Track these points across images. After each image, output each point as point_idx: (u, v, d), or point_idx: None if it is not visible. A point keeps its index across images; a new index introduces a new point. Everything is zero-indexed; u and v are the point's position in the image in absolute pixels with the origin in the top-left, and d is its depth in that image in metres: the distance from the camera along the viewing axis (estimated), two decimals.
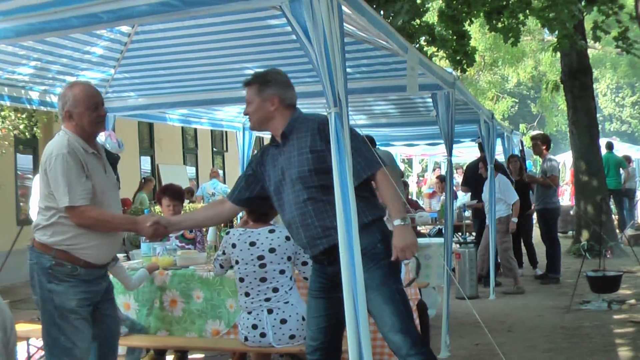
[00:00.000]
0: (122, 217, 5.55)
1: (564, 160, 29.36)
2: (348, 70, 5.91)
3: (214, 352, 8.27)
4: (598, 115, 19.24)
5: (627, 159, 23.87)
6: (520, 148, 18.38)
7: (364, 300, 4.37)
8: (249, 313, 6.25)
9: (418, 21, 15.65)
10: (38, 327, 8.03)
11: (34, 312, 9.81)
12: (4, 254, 11.03)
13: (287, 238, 6.26)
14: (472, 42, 17.84)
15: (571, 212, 20.18)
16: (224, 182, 25.48)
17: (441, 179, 14.74)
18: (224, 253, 6.43)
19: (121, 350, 6.39)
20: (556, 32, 14.93)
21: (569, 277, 13.41)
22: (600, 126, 22.27)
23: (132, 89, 9.09)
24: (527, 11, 14.92)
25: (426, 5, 16.86)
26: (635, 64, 42.44)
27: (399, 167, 13.71)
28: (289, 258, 6.29)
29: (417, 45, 15.82)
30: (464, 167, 19.23)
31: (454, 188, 14.73)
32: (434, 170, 27.81)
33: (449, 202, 8.65)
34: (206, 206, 5.98)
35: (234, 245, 6.31)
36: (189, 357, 8.22)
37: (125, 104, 9.38)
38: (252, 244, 6.25)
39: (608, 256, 15.46)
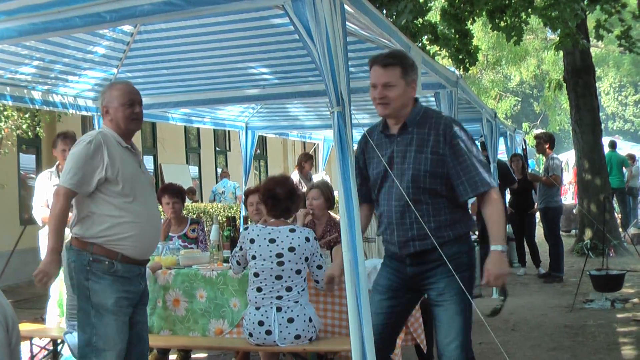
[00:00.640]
0: (60, 234, 5.14)
1: (567, 159, 29.35)
2: (351, 69, 5.93)
3: (218, 351, 8.27)
4: (601, 113, 19.25)
5: (631, 158, 23.85)
6: (523, 147, 18.39)
7: (367, 302, 4.37)
8: (257, 309, 6.23)
9: (421, 20, 15.63)
10: (42, 326, 8.10)
11: (38, 312, 9.86)
12: (7, 253, 11.01)
13: (307, 239, 6.28)
14: (475, 41, 17.83)
15: (574, 211, 20.17)
16: None
17: None
18: (241, 249, 6.41)
19: None
20: (559, 31, 14.94)
21: (572, 276, 13.40)
22: (603, 125, 22.23)
23: None
24: (530, 10, 14.89)
25: (429, 4, 16.86)
26: (638, 63, 42.42)
27: None
28: (307, 259, 6.28)
29: (420, 44, 15.81)
30: None
31: None
32: None
33: None
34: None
35: (252, 241, 6.30)
36: (192, 356, 8.22)
37: None
38: (272, 240, 6.25)
39: (611, 255, 15.45)
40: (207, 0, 4.37)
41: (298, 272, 6.22)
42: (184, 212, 9.39)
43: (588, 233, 17.11)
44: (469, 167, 4.81)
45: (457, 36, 15.90)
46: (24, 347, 7.54)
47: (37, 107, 9.34)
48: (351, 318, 4.34)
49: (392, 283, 5.15)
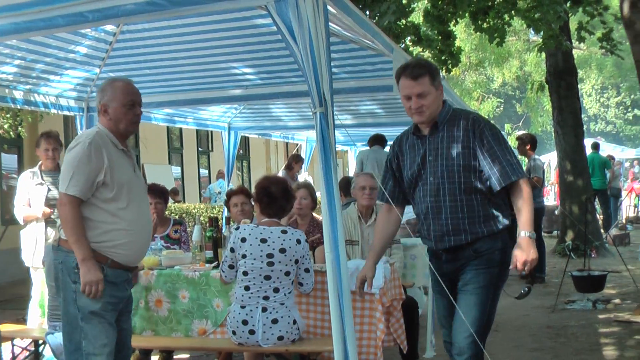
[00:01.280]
0: (83, 242, 5.01)
1: (549, 160, 29.48)
2: (334, 70, 5.91)
3: (200, 352, 8.25)
4: (583, 115, 19.33)
5: (611, 159, 23.97)
6: None
7: (349, 303, 4.37)
8: (243, 307, 6.20)
9: (404, 21, 15.65)
10: (23, 327, 8.07)
11: (20, 313, 9.82)
12: None
13: (298, 241, 6.26)
14: (458, 43, 17.86)
15: (556, 212, 20.22)
16: (209, 182, 25.48)
17: None
18: (232, 250, 6.34)
19: None
20: (541, 33, 14.98)
21: (554, 277, 13.45)
22: (585, 126, 22.36)
23: None
24: (513, 12, 14.93)
25: (412, 6, 16.87)
26: (621, 65, 42.64)
27: None
28: (297, 261, 6.26)
29: (403, 45, 15.83)
30: None
31: None
32: None
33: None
34: (383, 223, 5.59)
35: (243, 240, 6.26)
36: (175, 357, 8.20)
37: None
38: (264, 240, 6.21)
39: (593, 256, 15.51)
40: (190, 0, 4.36)
41: (287, 273, 6.20)
42: (167, 212, 9.37)
43: (570, 234, 17.17)
44: (499, 158, 4.97)
45: (440, 37, 15.92)
46: (6, 347, 7.52)
47: (19, 107, 9.30)
48: (333, 319, 4.34)
49: (440, 284, 5.23)
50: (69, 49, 7.74)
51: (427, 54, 17.22)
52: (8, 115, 15.22)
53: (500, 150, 4.99)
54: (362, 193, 8.04)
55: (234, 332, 6.26)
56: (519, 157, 21.37)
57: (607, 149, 28.66)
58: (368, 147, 13.63)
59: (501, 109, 54.10)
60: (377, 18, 14.08)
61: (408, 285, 8.45)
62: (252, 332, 6.15)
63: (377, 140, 13.23)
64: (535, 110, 40.91)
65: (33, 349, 7.71)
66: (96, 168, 4.99)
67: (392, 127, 13.06)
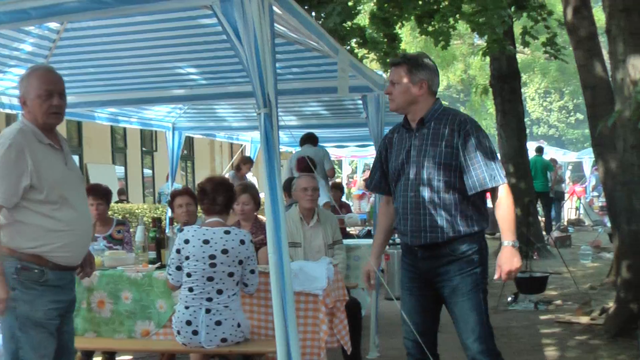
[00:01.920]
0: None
1: None
2: (279, 71, 5.91)
3: (143, 353, 8.20)
4: (526, 119, 19.51)
5: (553, 162, 24.23)
6: None
7: (292, 304, 4.38)
8: (187, 308, 6.17)
9: (350, 23, 15.68)
10: None
11: None
12: None
13: (242, 242, 6.21)
14: (403, 45, 17.99)
15: None
16: (153, 182, 25.33)
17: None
18: (178, 252, 6.27)
19: None
20: (486, 37, 15.08)
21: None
22: (528, 130, 22.55)
23: None
24: (458, 15, 15.01)
25: (358, 8, 16.90)
26: (564, 70, 43.18)
27: (332, 163, 13.70)
28: (240, 262, 6.20)
29: (348, 47, 15.86)
30: None
31: None
32: (363, 171, 27.92)
33: (378, 203, 8.70)
34: (382, 215, 5.66)
35: (187, 241, 6.21)
36: (117, 358, 8.14)
37: None
38: (206, 241, 6.16)
39: (535, 258, 15.65)
40: None
41: (230, 274, 6.16)
42: (110, 213, 9.29)
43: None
44: (479, 163, 5.01)
45: (386, 40, 15.98)
46: None
47: None
48: (276, 320, 4.34)
49: (413, 281, 5.33)
50: (12, 47, 7.63)
51: (372, 56, 17.27)
52: None
53: (482, 154, 5.03)
54: (304, 194, 8.04)
55: (178, 332, 6.23)
56: None
57: (549, 152, 28.94)
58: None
59: None
60: (322, 20, 14.10)
61: (352, 286, 8.47)
62: (195, 333, 6.11)
63: (308, 139, 13.04)
64: (479, 113, 41.25)
65: None
66: (19, 173, 4.66)
67: (337, 129, 13.10)
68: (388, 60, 15.95)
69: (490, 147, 5.11)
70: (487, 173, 5.00)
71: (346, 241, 8.72)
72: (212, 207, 6.40)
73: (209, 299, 6.13)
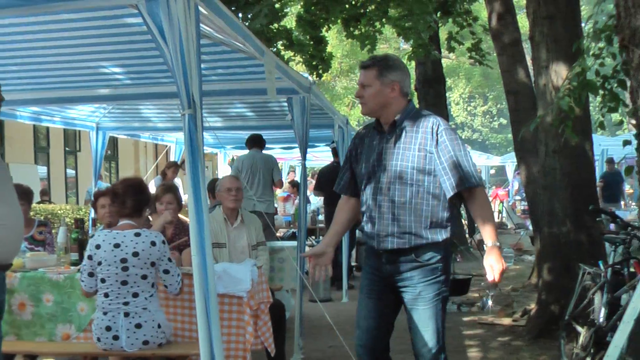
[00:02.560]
0: None
1: None
2: (204, 72, 5.88)
3: (64, 356, 8.10)
4: (450, 123, 19.65)
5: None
6: None
7: (215, 306, 4.36)
8: (105, 314, 6.09)
9: (276, 25, 15.69)
10: None
11: None
12: None
13: (153, 243, 6.12)
14: (329, 48, 18.02)
15: None
16: (76, 183, 25.03)
17: (293, 184, 14.80)
18: (90, 258, 6.18)
19: None
20: (412, 41, 15.21)
21: None
22: None
23: None
24: (384, 20, 15.12)
25: (285, 10, 16.92)
26: (488, 75, 43.75)
27: (280, 174, 13.67)
28: (153, 264, 6.13)
29: (275, 49, 15.86)
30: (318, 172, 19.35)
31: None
32: (288, 173, 27.94)
33: (303, 205, 8.72)
34: (340, 211, 5.60)
35: (98, 247, 6.13)
36: None
37: None
38: (117, 245, 6.08)
39: (458, 260, 15.81)
40: None
41: (144, 277, 6.09)
42: (31, 213, 9.17)
43: (449, 243, 17.42)
44: (455, 164, 5.00)
45: (312, 42, 16.01)
46: None
47: None
48: (200, 322, 4.32)
49: (374, 284, 5.31)
50: None
51: (298, 59, 17.30)
52: None
53: (458, 156, 5.03)
54: (227, 195, 8.02)
55: (98, 339, 6.14)
56: None
57: (473, 157, 29.29)
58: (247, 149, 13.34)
59: None
60: (249, 21, 14.08)
61: (276, 288, 8.48)
62: (116, 337, 6.04)
63: (255, 143, 12.97)
64: None
65: None
66: None
67: (262, 131, 13.05)
68: (314, 62, 16.01)
69: (464, 149, 5.12)
70: (465, 174, 5.02)
71: (271, 243, 8.71)
72: (122, 210, 6.33)
73: (126, 303, 6.06)
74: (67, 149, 26.02)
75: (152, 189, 13.35)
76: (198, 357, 4.51)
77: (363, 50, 15.75)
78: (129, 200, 6.30)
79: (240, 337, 6.53)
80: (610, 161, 19.91)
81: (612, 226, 8.37)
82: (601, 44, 7.35)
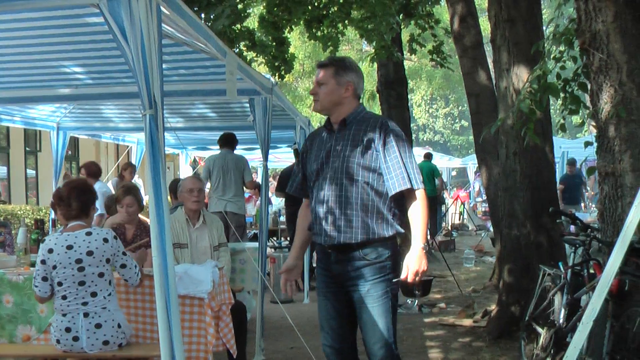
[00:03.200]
0: None
1: None
2: (166, 72, 5.86)
3: (25, 358, 8.04)
4: (412, 125, 19.77)
5: None
6: None
7: (176, 307, 4.35)
8: (64, 315, 6.05)
9: (239, 26, 15.66)
10: None
11: None
12: None
13: (105, 240, 6.09)
14: (292, 49, 18.00)
15: None
16: (37, 183, 24.85)
17: (255, 185, 14.76)
18: (43, 262, 6.12)
19: None
20: (374, 43, 15.24)
21: None
22: (414, 136, 22.88)
23: None
24: (347, 21, 15.16)
25: (247, 11, 16.90)
26: (450, 77, 43.91)
27: (251, 174, 13.56)
28: (108, 260, 6.11)
29: (237, 49, 15.84)
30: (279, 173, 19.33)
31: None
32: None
33: (264, 206, 8.71)
34: (302, 217, 5.68)
35: (50, 250, 6.06)
36: None
37: None
38: (70, 247, 6.03)
39: None
40: None
41: (101, 275, 6.07)
42: None
43: (397, 240, 17.48)
44: (399, 164, 5.11)
45: (274, 43, 16.02)
46: None
47: None
48: (160, 323, 4.30)
49: (328, 285, 5.39)
50: None
51: (260, 60, 17.28)
52: None
53: (403, 157, 5.14)
54: (189, 196, 8.01)
55: (57, 341, 6.10)
56: None
57: (435, 158, 29.44)
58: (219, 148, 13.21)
59: None
60: (211, 21, 14.04)
61: (237, 289, 8.47)
62: (75, 338, 6.00)
63: (227, 142, 12.87)
64: None
65: None
66: None
67: (223, 131, 13.01)
68: (277, 63, 16.01)
69: (409, 151, 5.22)
70: (407, 175, 5.12)
71: (232, 245, 8.70)
72: (68, 213, 6.27)
73: (85, 303, 6.03)
74: (27, 149, 25.79)
75: (112, 190, 13.32)
76: (159, 359, 4.50)
77: (325, 52, 15.76)
78: (74, 202, 6.24)
79: (201, 339, 6.51)
80: (571, 163, 20.04)
81: (572, 228, 8.42)
82: (562, 47, 7.42)
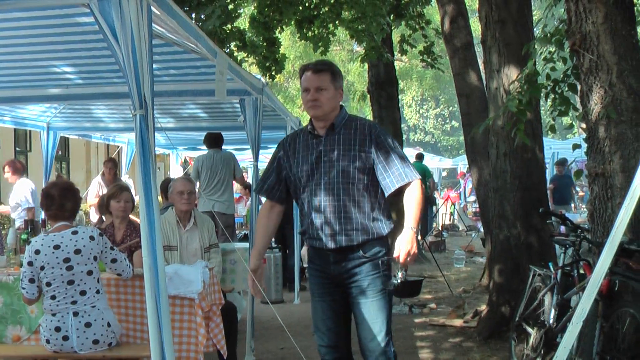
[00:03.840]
0: None
1: None
2: (156, 72, 5.86)
3: (15, 359, 8.02)
4: (403, 125, 19.79)
5: None
6: None
7: (166, 308, 4.35)
8: (53, 315, 6.06)
9: (229, 26, 15.66)
10: None
11: None
12: None
13: (91, 238, 6.12)
14: (282, 50, 18.00)
15: None
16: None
17: (245, 185, 14.75)
18: (30, 264, 6.10)
19: None
20: (364, 44, 15.25)
21: None
22: (404, 136, 22.89)
23: None
24: (337, 22, 15.15)
25: (238, 11, 16.89)
26: (440, 78, 44.00)
27: (241, 171, 13.55)
28: (95, 258, 6.13)
29: (228, 50, 15.82)
30: None
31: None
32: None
33: (255, 207, 8.70)
34: (265, 218, 5.63)
35: (37, 252, 6.06)
36: None
37: None
38: (57, 247, 6.03)
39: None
40: None
41: (89, 273, 6.09)
42: None
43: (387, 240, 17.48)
44: (393, 162, 5.19)
45: (265, 44, 16.02)
46: None
47: None
48: (151, 324, 4.29)
49: (324, 286, 5.40)
50: None
51: (251, 60, 17.28)
52: None
53: (395, 155, 5.21)
54: (180, 198, 7.99)
55: (47, 341, 6.10)
56: None
57: (425, 159, 29.48)
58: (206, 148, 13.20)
59: None
60: (202, 22, 14.03)
61: (227, 290, 8.46)
62: (65, 338, 6.01)
63: (214, 142, 12.87)
64: None
65: None
66: None
67: (214, 132, 12.99)
68: (267, 64, 16.00)
69: (399, 148, 5.31)
70: (402, 171, 5.18)
71: (223, 245, 8.69)
72: (61, 214, 6.28)
73: (74, 302, 6.05)
74: (17, 149, 25.72)
75: (95, 188, 13.32)
76: (149, 359, 4.49)
77: (316, 52, 15.75)
78: (67, 203, 6.27)
79: (192, 339, 6.51)
80: (560, 163, 20.05)
81: (562, 228, 8.44)
82: (552, 48, 7.43)
